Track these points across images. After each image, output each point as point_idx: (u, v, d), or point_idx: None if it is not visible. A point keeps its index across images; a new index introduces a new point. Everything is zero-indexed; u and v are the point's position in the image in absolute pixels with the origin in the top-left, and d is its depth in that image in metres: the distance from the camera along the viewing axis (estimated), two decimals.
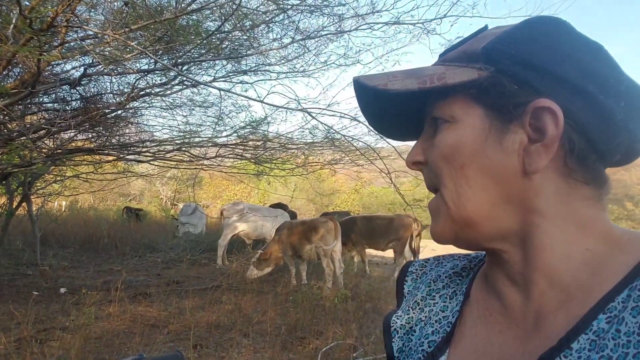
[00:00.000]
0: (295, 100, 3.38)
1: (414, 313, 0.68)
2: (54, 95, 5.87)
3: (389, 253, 10.09)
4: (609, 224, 0.52)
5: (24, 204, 8.79)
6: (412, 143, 0.64)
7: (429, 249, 10.99)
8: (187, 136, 6.12)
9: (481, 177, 0.53)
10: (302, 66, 5.61)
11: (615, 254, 0.49)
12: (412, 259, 9.12)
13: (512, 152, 0.51)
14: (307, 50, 5.22)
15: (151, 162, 6.44)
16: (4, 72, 4.74)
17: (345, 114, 3.69)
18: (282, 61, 5.47)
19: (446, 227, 0.56)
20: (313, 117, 3.31)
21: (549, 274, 0.51)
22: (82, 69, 5.18)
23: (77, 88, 5.37)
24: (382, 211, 21.29)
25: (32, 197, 9.21)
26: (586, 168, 0.51)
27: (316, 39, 4.90)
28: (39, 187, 9.80)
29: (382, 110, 0.64)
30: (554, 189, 0.51)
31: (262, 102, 3.29)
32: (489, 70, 0.52)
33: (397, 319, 0.69)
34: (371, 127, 0.68)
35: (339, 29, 4.60)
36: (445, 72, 0.53)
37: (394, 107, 0.63)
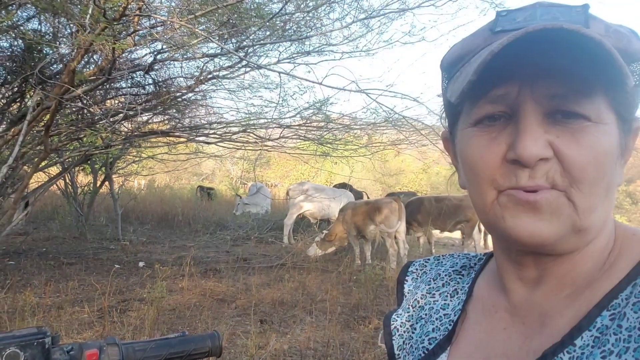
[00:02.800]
0: (354, 82, 3.35)
1: (414, 311, 0.68)
2: (130, 81, 6.21)
3: (457, 233, 9.87)
4: (619, 223, 0.54)
5: (106, 183, 9.47)
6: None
7: None
8: (252, 118, 6.27)
9: (609, 189, 0.49)
10: (365, 45, 5.54)
11: (623, 252, 0.51)
12: (480, 241, 8.89)
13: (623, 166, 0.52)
14: (370, 29, 5.13)
15: (218, 144, 6.67)
16: (84, 60, 5.08)
17: (406, 95, 3.61)
18: (345, 41, 5.43)
19: (562, 231, 0.48)
20: (373, 100, 3.27)
21: (571, 278, 0.51)
22: (153, 55, 5.42)
23: (150, 73, 5.65)
24: (449, 191, 20.73)
25: (113, 176, 9.88)
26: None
27: (379, 18, 4.81)
28: (119, 167, 10.50)
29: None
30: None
31: (320, 84, 3.29)
32: (634, 76, 0.47)
33: (397, 317, 0.70)
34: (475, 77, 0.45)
35: (402, 7, 4.48)
36: None
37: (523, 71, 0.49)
